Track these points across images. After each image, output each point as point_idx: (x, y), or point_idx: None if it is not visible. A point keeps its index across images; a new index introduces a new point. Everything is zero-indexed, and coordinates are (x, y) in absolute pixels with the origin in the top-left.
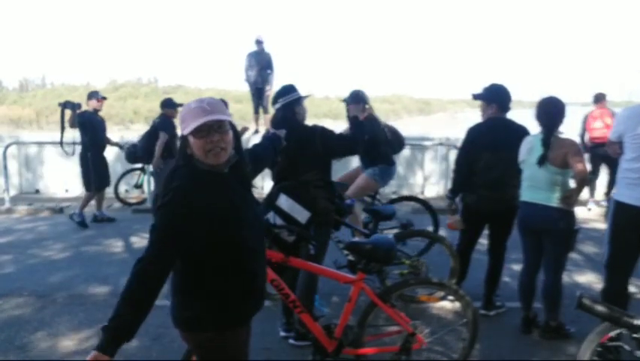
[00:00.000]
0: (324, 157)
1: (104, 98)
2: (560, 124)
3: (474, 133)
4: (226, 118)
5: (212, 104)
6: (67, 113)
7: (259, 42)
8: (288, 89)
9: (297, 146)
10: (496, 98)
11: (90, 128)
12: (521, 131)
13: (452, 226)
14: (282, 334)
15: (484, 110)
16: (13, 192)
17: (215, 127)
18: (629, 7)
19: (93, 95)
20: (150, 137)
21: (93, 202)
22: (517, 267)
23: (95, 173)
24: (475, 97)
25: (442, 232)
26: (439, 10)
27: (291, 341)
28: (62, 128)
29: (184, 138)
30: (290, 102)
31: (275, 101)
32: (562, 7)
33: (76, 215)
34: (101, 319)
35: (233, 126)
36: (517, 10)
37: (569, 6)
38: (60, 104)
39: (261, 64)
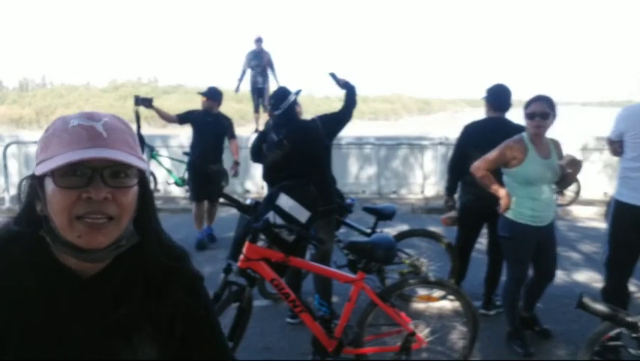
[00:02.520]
0: (326, 145)
1: (205, 96)
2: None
3: (468, 132)
4: (133, 160)
5: (111, 126)
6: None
7: (258, 41)
8: (284, 93)
9: (301, 141)
10: (490, 97)
11: (194, 129)
12: (518, 131)
13: (445, 222)
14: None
15: (486, 110)
16: (13, 191)
17: (107, 173)
18: (629, 6)
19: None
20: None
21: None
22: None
23: (189, 181)
24: (483, 98)
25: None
26: (439, 10)
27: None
28: (138, 127)
29: (36, 180)
30: (291, 104)
31: (276, 107)
32: (562, 6)
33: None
34: None
35: (143, 178)
36: (517, 10)
37: (569, 6)
38: (135, 101)
39: (260, 63)
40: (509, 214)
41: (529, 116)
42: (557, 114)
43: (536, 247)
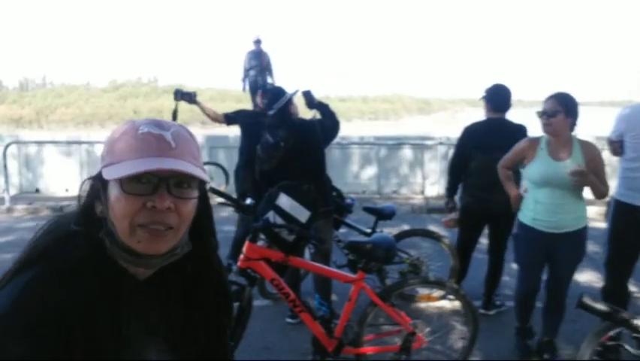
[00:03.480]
0: (323, 147)
1: (264, 91)
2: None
3: (468, 133)
4: (199, 172)
5: (179, 136)
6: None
7: (257, 42)
8: (278, 93)
9: (300, 140)
10: (489, 97)
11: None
12: (519, 132)
13: (447, 224)
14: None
15: (485, 111)
16: (13, 191)
17: (172, 183)
18: (629, 6)
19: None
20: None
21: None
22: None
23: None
24: (482, 98)
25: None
26: (439, 10)
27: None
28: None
29: (99, 181)
30: (284, 105)
31: (269, 106)
32: (562, 6)
33: None
34: None
35: (204, 192)
36: (517, 10)
37: (569, 5)
38: (175, 95)
39: (260, 63)
40: (519, 213)
41: (539, 114)
42: (575, 111)
43: (547, 258)
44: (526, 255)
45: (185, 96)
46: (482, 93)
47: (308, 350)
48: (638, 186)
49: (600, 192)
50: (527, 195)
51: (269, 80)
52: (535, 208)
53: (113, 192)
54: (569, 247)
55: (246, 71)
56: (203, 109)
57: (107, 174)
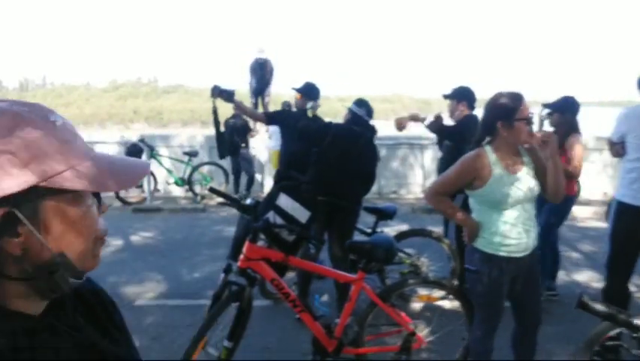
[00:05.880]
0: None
1: (300, 92)
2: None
3: (466, 123)
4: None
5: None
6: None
7: (261, 52)
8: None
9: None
10: (463, 98)
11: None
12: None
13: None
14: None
15: (452, 110)
16: None
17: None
18: (629, 6)
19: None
20: None
21: None
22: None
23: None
24: (446, 96)
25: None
26: (439, 10)
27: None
28: (217, 124)
29: (15, 204)
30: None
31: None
32: (562, 6)
33: None
34: None
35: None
36: (517, 10)
37: (569, 5)
38: (213, 91)
39: (264, 72)
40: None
41: (546, 116)
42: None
43: (513, 286)
44: (498, 290)
45: (223, 94)
46: (449, 92)
47: (308, 350)
48: None
49: (560, 181)
50: (480, 219)
51: (269, 88)
52: (501, 232)
53: (75, 210)
54: (534, 266)
55: (252, 79)
56: (240, 107)
57: (67, 182)
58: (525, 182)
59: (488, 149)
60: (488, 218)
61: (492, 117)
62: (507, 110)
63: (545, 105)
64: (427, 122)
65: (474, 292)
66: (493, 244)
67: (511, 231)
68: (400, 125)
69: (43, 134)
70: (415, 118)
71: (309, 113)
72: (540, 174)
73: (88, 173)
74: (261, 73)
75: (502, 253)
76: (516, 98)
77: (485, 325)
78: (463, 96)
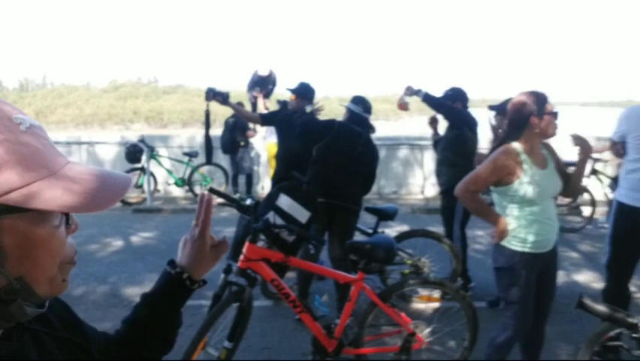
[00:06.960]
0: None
1: (295, 93)
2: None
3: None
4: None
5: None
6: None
7: (266, 70)
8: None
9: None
10: (458, 98)
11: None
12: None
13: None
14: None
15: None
16: None
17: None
18: (629, 6)
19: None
20: None
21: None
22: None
23: None
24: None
25: None
26: (439, 10)
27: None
28: (207, 128)
29: None
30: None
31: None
32: (562, 6)
33: None
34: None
35: None
36: (516, 10)
37: (568, 5)
38: (207, 94)
39: (265, 87)
40: (506, 242)
41: (555, 116)
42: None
43: (537, 282)
44: (524, 289)
45: (217, 96)
46: (443, 93)
47: (308, 350)
48: None
49: (579, 186)
50: (509, 218)
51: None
52: (530, 228)
53: (33, 228)
54: (555, 262)
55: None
56: (236, 109)
57: (43, 203)
58: (552, 177)
59: (516, 145)
60: (516, 215)
61: (523, 114)
62: (539, 104)
63: (492, 107)
64: (420, 95)
65: (505, 291)
66: (523, 241)
67: (539, 227)
68: (402, 107)
69: (2, 140)
70: (409, 91)
71: None
72: (558, 170)
73: (54, 190)
74: (263, 84)
75: (530, 250)
76: (541, 94)
77: (518, 323)
78: (457, 97)
